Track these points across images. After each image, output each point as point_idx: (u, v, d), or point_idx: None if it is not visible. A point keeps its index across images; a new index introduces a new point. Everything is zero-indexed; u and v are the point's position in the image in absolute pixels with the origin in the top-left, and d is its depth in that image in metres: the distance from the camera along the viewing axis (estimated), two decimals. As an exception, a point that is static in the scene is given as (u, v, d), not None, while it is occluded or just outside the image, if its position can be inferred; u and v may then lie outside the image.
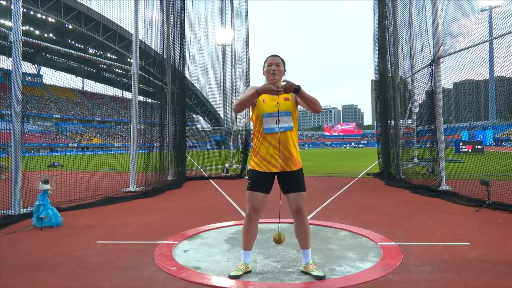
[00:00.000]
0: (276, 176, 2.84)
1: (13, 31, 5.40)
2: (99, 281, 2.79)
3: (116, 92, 72.64)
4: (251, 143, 2.88)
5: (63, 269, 3.06)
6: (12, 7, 5.43)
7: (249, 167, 2.92)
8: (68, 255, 3.44)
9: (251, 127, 2.99)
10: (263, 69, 2.86)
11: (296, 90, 2.55)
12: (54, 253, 3.51)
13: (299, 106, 2.87)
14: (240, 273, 2.82)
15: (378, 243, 3.66)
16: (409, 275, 2.83)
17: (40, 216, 4.46)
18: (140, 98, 8.59)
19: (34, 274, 2.94)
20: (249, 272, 2.91)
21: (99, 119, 61.16)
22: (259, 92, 2.61)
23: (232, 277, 2.78)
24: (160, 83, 9.87)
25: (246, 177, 2.99)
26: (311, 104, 2.66)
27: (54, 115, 51.85)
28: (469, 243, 3.64)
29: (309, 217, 4.97)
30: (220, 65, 14.48)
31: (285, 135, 2.75)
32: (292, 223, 2.93)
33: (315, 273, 2.78)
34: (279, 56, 2.86)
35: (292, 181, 2.80)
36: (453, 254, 3.30)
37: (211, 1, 13.93)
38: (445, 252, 3.37)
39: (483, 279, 2.72)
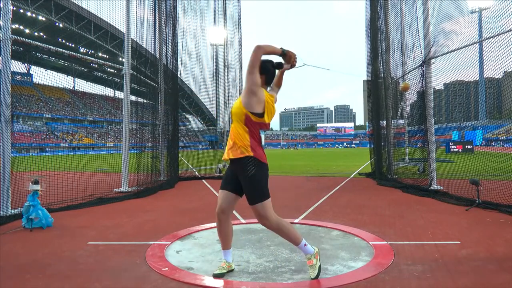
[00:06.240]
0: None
1: (2, 29, 5.32)
2: (90, 283, 2.76)
3: (108, 91, 72.06)
4: None
5: (53, 270, 3.03)
6: (1, 5, 5.35)
7: None
8: (59, 256, 3.40)
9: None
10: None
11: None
12: (44, 254, 3.47)
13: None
14: (224, 271, 2.87)
15: (370, 243, 3.69)
16: (401, 274, 2.85)
17: (30, 217, 4.41)
18: (132, 97, 8.53)
19: (23, 276, 2.90)
20: (232, 270, 2.95)
21: (91, 118, 60.55)
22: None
23: (216, 276, 2.82)
24: (152, 83, 9.81)
25: None
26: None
27: (44, 115, 51.18)
28: (459, 242, 3.69)
29: (301, 217, 5.02)
30: (213, 65, 14.45)
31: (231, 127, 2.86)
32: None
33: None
34: None
35: (240, 181, 2.79)
36: (444, 253, 3.34)
37: (203, 0, 13.90)
38: (435, 251, 3.41)
39: (473, 277, 2.76)
